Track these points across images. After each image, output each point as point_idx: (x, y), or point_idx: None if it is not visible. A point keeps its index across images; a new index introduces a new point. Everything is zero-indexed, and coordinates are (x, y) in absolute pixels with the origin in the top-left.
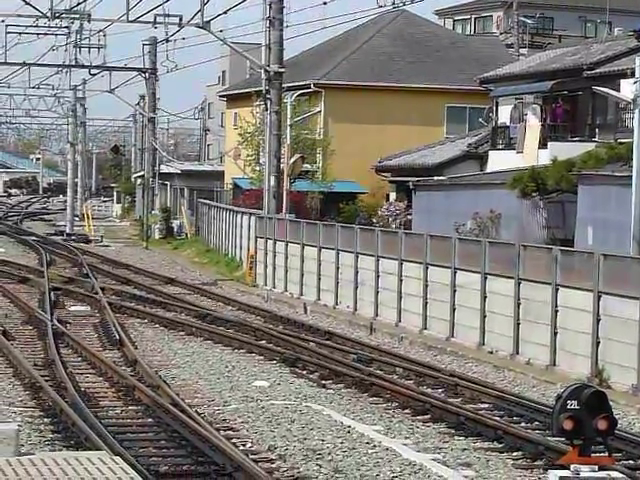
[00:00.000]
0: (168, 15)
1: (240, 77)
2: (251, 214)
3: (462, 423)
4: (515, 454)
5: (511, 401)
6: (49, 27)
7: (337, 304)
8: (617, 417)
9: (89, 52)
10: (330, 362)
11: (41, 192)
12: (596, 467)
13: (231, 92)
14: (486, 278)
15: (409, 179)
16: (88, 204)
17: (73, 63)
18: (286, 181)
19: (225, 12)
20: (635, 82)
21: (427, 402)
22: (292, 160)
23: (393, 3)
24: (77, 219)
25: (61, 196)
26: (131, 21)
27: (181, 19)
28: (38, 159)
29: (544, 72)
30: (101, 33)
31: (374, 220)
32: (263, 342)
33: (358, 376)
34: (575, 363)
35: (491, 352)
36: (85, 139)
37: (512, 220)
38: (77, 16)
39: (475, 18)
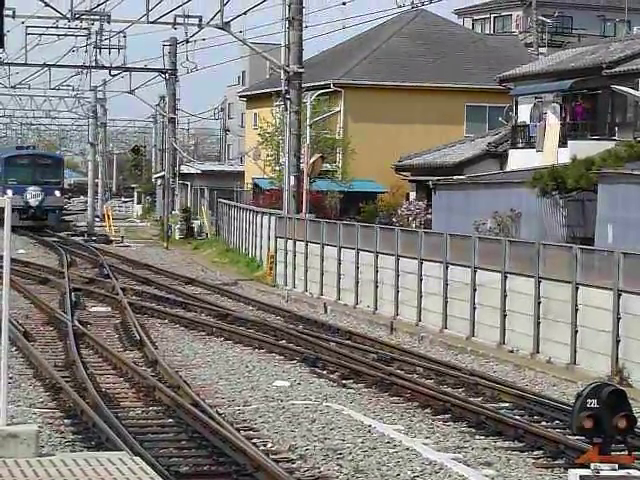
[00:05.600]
0: (188, 16)
1: (260, 77)
2: (271, 214)
3: (483, 422)
4: (536, 453)
5: (531, 400)
6: (69, 28)
7: (357, 303)
8: (637, 415)
9: (109, 53)
10: (350, 362)
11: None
12: (616, 466)
13: (251, 92)
14: (506, 277)
15: (429, 178)
16: (109, 205)
17: (93, 64)
18: (306, 181)
19: (245, 13)
20: None
21: (447, 401)
22: (312, 160)
23: (412, 3)
24: (98, 220)
25: (82, 197)
26: (151, 22)
27: (201, 20)
28: None
29: (563, 71)
30: (121, 34)
31: (394, 219)
32: (283, 342)
33: (378, 375)
34: (595, 362)
35: (511, 351)
36: (105, 140)
37: (532, 219)
38: (97, 17)
39: (494, 17)
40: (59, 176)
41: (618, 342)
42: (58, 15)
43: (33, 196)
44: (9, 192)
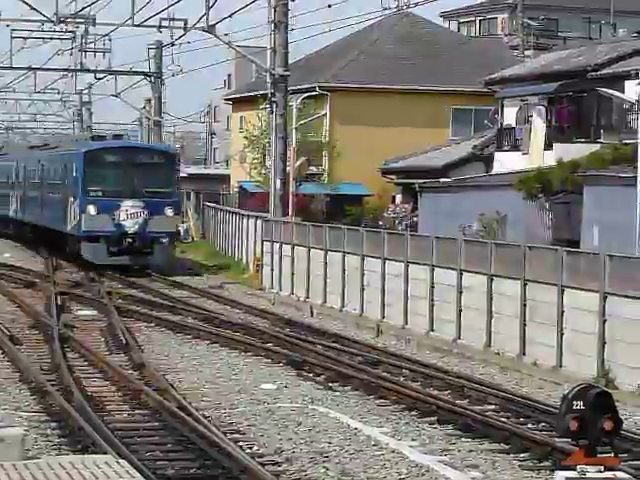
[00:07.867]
0: (173, 19)
1: (246, 80)
2: (257, 217)
3: (469, 425)
4: (522, 455)
5: (518, 402)
6: (54, 31)
7: (344, 306)
8: (623, 417)
9: (94, 56)
10: (337, 364)
11: None
12: (602, 467)
13: (237, 95)
14: (492, 279)
15: (415, 181)
16: None
17: (78, 67)
18: (292, 184)
19: (230, 16)
20: (639, 83)
21: (434, 404)
22: (298, 163)
23: (398, 5)
24: None
25: None
26: (136, 25)
27: (186, 23)
28: None
29: (549, 74)
30: (106, 37)
31: (380, 222)
32: (270, 345)
33: (365, 378)
34: (582, 364)
35: (498, 353)
36: None
37: (518, 221)
38: (82, 20)
39: (480, 20)
40: (172, 183)
41: (604, 344)
42: (43, 18)
43: (131, 216)
44: (91, 209)
